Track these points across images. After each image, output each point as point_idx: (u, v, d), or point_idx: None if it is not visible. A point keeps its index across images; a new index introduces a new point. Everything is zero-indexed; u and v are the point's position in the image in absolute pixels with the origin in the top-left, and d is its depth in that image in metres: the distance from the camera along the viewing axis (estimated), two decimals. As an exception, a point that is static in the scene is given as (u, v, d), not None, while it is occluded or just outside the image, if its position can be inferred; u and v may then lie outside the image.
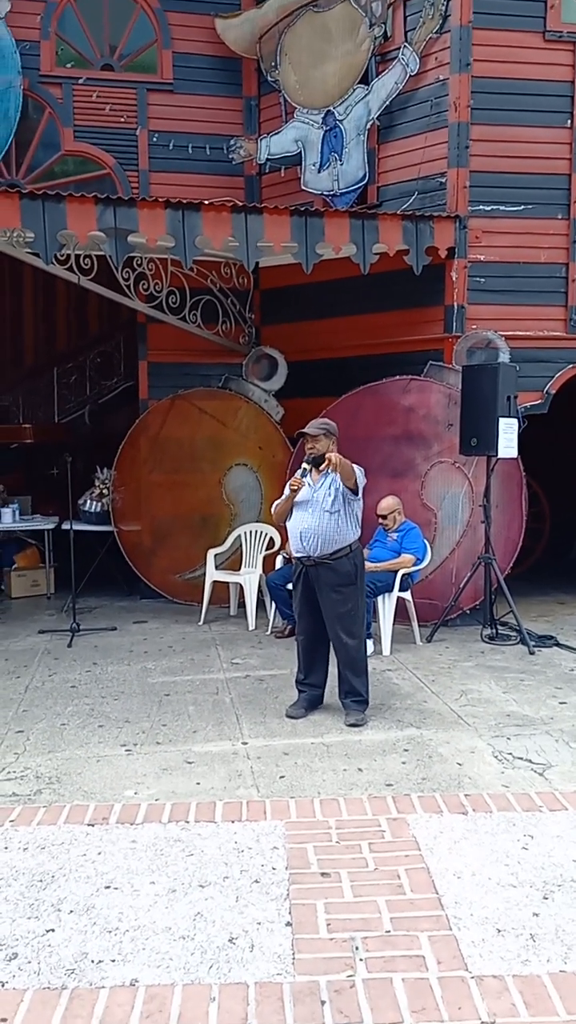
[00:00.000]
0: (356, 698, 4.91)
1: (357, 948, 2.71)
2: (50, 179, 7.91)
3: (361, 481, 4.84)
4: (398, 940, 2.75)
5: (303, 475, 4.91)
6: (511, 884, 3.10)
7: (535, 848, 3.36)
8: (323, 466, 4.74)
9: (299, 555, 4.95)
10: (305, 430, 4.95)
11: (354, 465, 4.80)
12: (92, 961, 2.66)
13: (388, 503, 6.58)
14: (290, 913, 2.91)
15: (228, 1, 8.10)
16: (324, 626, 4.94)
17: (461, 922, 2.86)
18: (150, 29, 8.10)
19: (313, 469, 4.84)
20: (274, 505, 5.10)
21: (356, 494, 4.81)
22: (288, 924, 2.85)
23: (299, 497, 4.88)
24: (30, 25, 7.81)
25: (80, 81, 7.98)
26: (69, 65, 8.00)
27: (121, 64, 8.11)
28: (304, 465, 4.89)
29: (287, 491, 4.93)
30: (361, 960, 2.65)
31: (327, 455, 4.70)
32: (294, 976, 2.58)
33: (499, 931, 2.80)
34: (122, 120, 8.08)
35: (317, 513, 4.82)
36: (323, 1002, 2.46)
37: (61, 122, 7.96)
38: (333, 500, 4.78)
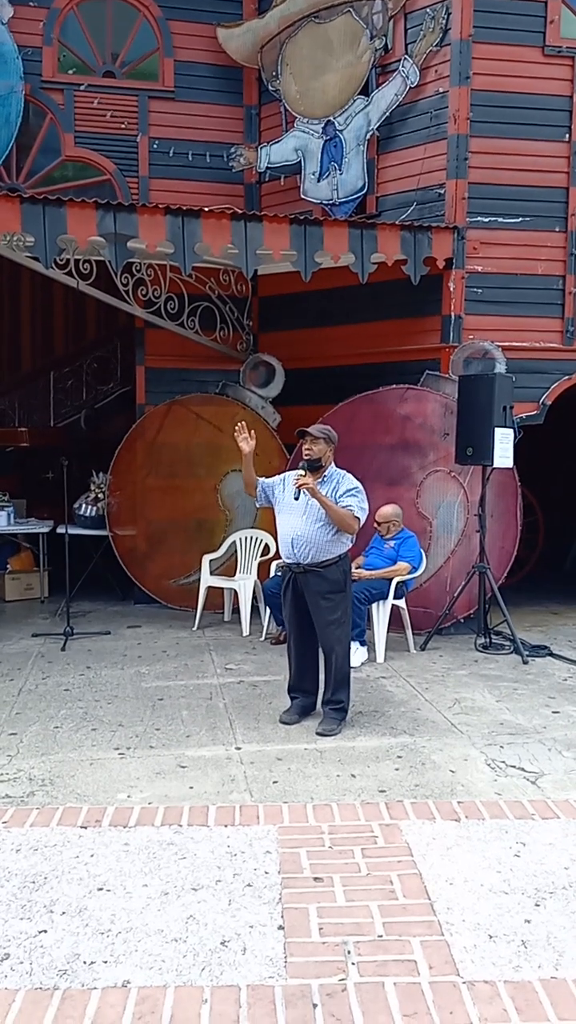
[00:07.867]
0: (336, 706, 4.88)
1: (349, 952, 2.71)
2: (50, 184, 7.95)
3: (362, 518, 4.73)
4: (390, 945, 2.76)
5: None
6: (503, 891, 3.10)
7: (527, 855, 3.37)
8: (300, 482, 4.61)
9: (289, 561, 4.88)
10: (307, 429, 4.82)
11: (351, 504, 4.67)
12: (84, 962, 2.66)
13: (388, 511, 6.58)
14: (282, 917, 2.91)
15: (230, 11, 8.17)
16: (314, 633, 4.91)
17: (453, 928, 2.86)
18: (152, 37, 8.14)
19: (308, 473, 4.69)
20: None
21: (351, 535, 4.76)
22: (280, 928, 2.85)
23: (292, 502, 4.76)
24: (33, 31, 7.84)
25: (82, 87, 8.02)
26: (71, 71, 8.04)
27: (123, 71, 8.16)
28: (299, 469, 4.76)
29: (292, 478, 4.75)
30: (353, 964, 2.65)
31: (306, 482, 4.61)
32: (286, 979, 2.58)
33: (491, 937, 2.81)
34: (123, 127, 8.11)
35: (310, 520, 4.71)
36: (315, 1005, 2.46)
37: (62, 128, 7.99)
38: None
